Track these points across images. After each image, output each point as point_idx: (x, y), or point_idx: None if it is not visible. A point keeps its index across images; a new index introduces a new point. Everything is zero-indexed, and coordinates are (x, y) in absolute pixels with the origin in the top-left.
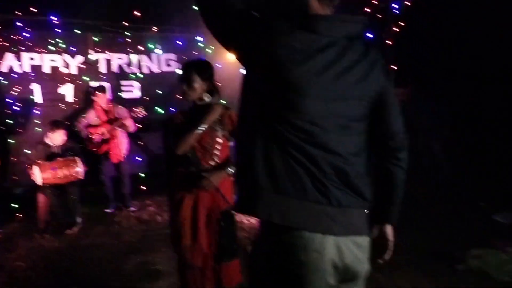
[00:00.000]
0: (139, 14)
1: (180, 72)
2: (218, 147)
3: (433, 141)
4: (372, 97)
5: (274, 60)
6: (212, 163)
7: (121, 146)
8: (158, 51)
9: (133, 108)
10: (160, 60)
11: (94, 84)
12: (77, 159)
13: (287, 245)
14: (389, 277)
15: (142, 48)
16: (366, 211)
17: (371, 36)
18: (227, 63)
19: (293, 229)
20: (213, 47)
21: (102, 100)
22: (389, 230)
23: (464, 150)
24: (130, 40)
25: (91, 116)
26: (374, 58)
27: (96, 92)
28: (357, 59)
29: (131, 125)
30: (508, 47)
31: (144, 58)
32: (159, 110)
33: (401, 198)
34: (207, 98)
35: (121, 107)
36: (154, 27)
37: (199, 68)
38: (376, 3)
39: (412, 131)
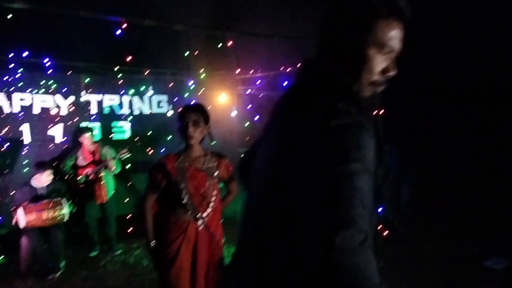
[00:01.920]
0: (131, 57)
1: (182, 113)
2: (215, 195)
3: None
4: None
5: None
6: (209, 210)
7: (106, 187)
8: (150, 92)
9: (119, 150)
10: (151, 102)
11: (84, 124)
12: (63, 201)
13: None
14: None
15: (134, 90)
16: None
17: None
18: (216, 106)
19: None
20: (203, 90)
21: (88, 141)
22: None
23: (451, 194)
24: (122, 81)
25: (78, 157)
26: None
27: (82, 133)
28: None
29: (113, 166)
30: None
31: (135, 99)
32: (149, 151)
33: None
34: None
35: (107, 147)
36: (146, 69)
37: (204, 112)
38: None
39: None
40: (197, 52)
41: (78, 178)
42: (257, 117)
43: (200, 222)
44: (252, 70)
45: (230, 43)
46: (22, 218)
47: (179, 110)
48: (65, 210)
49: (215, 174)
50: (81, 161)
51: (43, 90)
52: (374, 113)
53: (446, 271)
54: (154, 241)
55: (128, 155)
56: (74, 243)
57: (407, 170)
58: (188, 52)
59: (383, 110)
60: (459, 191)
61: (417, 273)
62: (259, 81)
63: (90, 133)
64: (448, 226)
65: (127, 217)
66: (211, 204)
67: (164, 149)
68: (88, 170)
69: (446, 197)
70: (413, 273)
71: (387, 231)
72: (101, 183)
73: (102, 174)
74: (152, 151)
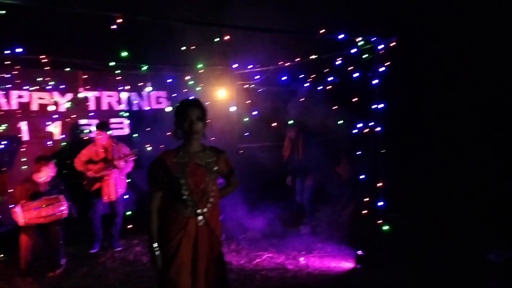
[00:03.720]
0: (129, 52)
1: (186, 109)
2: (214, 191)
3: None
4: None
5: None
6: (209, 205)
7: (115, 185)
8: (148, 88)
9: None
10: (150, 98)
11: (83, 121)
12: (62, 197)
13: None
14: None
15: (132, 86)
16: None
17: (358, 75)
18: (215, 101)
19: None
20: (202, 85)
21: (102, 137)
22: None
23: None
24: (120, 78)
25: (89, 153)
26: None
27: (97, 129)
28: None
29: (126, 166)
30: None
31: (134, 95)
32: (148, 147)
33: None
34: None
35: (123, 144)
36: (144, 65)
37: (204, 107)
38: (362, 43)
39: None
40: (194, 47)
41: (87, 174)
42: (256, 112)
43: (200, 217)
44: (251, 65)
45: (227, 37)
46: (21, 215)
47: (178, 105)
48: (64, 207)
49: (215, 169)
50: (94, 157)
51: (40, 87)
52: None
53: (448, 264)
54: (156, 243)
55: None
56: (76, 240)
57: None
58: (184, 47)
59: None
60: (460, 184)
61: (418, 265)
62: (258, 76)
63: (104, 129)
64: (450, 219)
65: (127, 214)
66: (211, 200)
67: (163, 145)
68: (99, 167)
69: (447, 190)
70: (414, 266)
71: (381, 221)
72: (110, 181)
73: (112, 172)
74: (151, 147)
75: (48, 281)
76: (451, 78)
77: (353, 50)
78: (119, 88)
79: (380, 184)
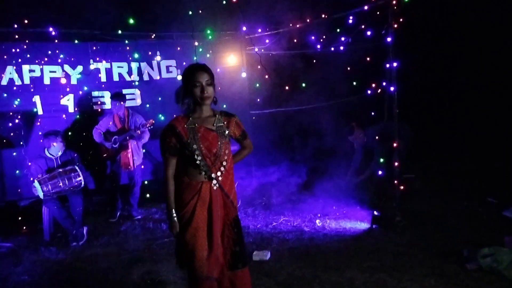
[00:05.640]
0: (137, 21)
1: (194, 74)
2: (227, 155)
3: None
4: None
5: None
6: (222, 169)
7: (132, 155)
8: (158, 57)
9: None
10: (160, 67)
11: (95, 93)
12: (77, 168)
13: None
14: (397, 279)
15: (142, 56)
16: None
17: (369, 33)
18: (227, 67)
19: None
20: (211, 52)
21: (118, 107)
22: None
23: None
24: (129, 48)
25: (106, 124)
26: None
27: (113, 99)
28: None
29: (142, 136)
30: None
31: (143, 65)
32: (161, 116)
33: None
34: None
35: (139, 115)
36: (152, 34)
37: (211, 71)
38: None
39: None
40: (201, 11)
41: (104, 144)
42: (267, 76)
43: (214, 182)
44: (260, 29)
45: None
46: (39, 189)
47: (185, 71)
48: (80, 177)
49: (226, 133)
50: (111, 128)
51: (51, 60)
52: None
53: (465, 223)
54: (174, 209)
55: (152, 126)
56: (96, 210)
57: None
58: (191, 12)
59: None
60: (475, 143)
61: (435, 227)
62: (267, 40)
63: (120, 99)
64: (466, 180)
65: (145, 183)
66: (224, 163)
67: (175, 115)
68: (116, 137)
69: (463, 151)
70: (431, 227)
71: (402, 187)
72: (128, 150)
73: (130, 142)
74: (163, 117)
75: (71, 251)
76: (467, 35)
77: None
78: (129, 59)
79: (395, 144)
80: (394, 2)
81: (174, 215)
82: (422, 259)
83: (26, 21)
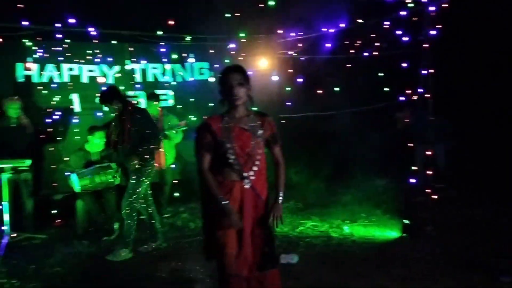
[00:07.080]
0: (173, 23)
1: (226, 75)
2: (260, 155)
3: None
4: None
5: None
6: (255, 168)
7: (164, 154)
8: (191, 59)
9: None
10: (193, 69)
11: (130, 93)
12: (114, 165)
13: None
14: None
15: (176, 57)
16: None
17: (407, 39)
18: (259, 70)
19: None
20: (244, 55)
21: (153, 108)
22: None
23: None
24: (164, 50)
25: None
26: None
27: (148, 99)
28: None
29: (175, 137)
30: None
31: (177, 67)
32: (192, 118)
33: None
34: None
35: (171, 116)
36: (187, 36)
37: (245, 72)
38: (412, 5)
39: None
40: (235, 15)
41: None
42: (298, 80)
43: (246, 181)
44: (293, 33)
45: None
46: (76, 182)
47: (220, 73)
48: (116, 174)
49: (260, 132)
50: None
51: (89, 59)
52: None
53: (499, 234)
54: (221, 196)
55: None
56: None
57: (444, 134)
58: (227, 15)
59: None
60: (509, 154)
61: (467, 236)
62: (300, 44)
63: (156, 100)
64: (503, 189)
65: (174, 183)
66: (257, 163)
67: (206, 116)
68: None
69: (497, 162)
70: (463, 237)
71: (436, 196)
72: (160, 150)
73: (162, 141)
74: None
75: (103, 245)
76: (507, 43)
77: (403, 13)
78: (164, 60)
79: (429, 152)
80: (431, 8)
81: (227, 201)
82: (452, 270)
83: (68, 21)
